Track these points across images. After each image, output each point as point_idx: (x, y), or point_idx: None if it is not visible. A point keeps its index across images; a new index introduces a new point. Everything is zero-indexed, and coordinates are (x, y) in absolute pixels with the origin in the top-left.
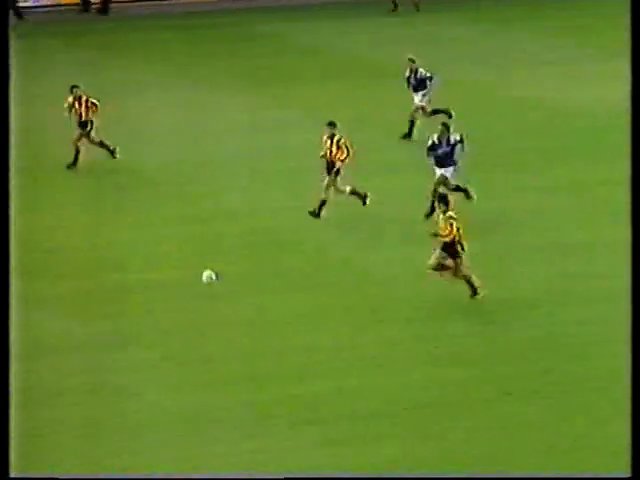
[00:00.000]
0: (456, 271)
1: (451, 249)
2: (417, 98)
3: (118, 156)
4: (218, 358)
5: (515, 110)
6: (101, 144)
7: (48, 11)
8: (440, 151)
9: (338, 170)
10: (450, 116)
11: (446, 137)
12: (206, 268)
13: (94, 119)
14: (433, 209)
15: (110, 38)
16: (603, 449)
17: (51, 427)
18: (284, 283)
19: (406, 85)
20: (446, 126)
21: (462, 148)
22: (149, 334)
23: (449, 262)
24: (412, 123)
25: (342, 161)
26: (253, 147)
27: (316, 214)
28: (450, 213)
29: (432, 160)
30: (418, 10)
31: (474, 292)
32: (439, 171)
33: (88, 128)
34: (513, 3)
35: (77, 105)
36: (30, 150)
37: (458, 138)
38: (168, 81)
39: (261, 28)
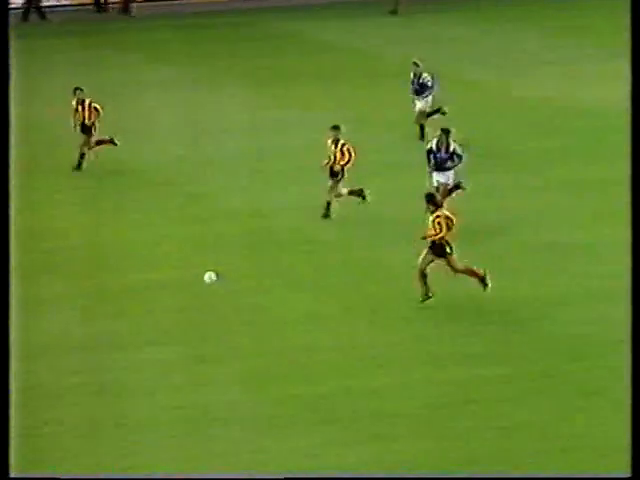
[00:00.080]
0: (453, 269)
1: (439, 250)
2: (420, 103)
3: (118, 142)
4: (219, 358)
5: (516, 110)
6: (98, 143)
7: (64, 11)
8: (438, 157)
9: (340, 174)
10: (444, 113)
11: (445, 144)
12: (207, 268)
13: (96, 124)
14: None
15: (113, 38)
16: (603, 449)
17: (51, 427)
18: (284, 282)
19: (410, 89)
20: (445, 132)
21: (459, 161)
22: (150, 334)
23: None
24: (422, 127)
25: (342, 166)
26: (254, 147)
27: (326, 215)
28: (439, 212)
29: (430, 165)
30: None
31: (483, 284)
32: (436, 176)
33: (92, 133)
34: (513, 3)
35: (80, 109)
36: (30, 150)
37: (458, 150)
38: (169, 81)
39: (263, 28)
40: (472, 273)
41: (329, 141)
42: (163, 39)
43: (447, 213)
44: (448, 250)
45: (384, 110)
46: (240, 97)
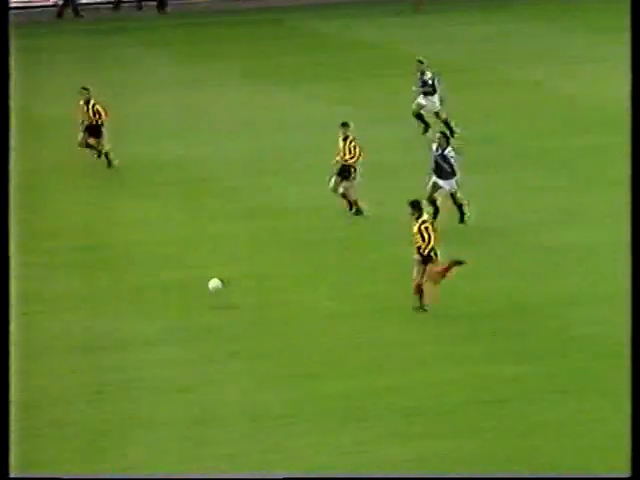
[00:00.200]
0: (422, 276)
1: (428, 259)
2: (423, 101)
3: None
4: (248, 356)
5: (550, 108)
6: (87, 145)
7: (97, 8)
8: (434, 159)
9: (350, 171)
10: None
11: (443, 147)
12: (232, 266)
13: (104, 124)
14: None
15: (145, 35)
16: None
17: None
18: (322, 279)
19: (420, 88)
20: (445, 136)
21: (451, 169)
22: (177, 332)
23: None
24: (447, 123)
25: (346, 161)
26: (282, 144)
27: (358, 212)
28: (424, 219)
29: (432, 166)
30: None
31: (421, 305)
32: (437, 180)
33: (101, 134)
34: (540, 2)
35: (85, 109)
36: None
37: (452, 160)
38: (199, 78)
39: (288, 26)
40: (420, 292)
41: (339, 138)
42: (193, 36)
43: (425, 219)
44: (433, 255)
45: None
46: (267, 94)
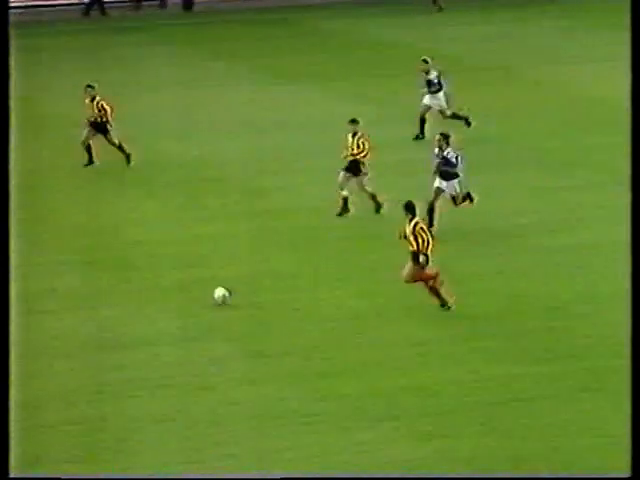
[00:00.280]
0: (408, 277)
1: (415, 257)
2: (428, 100)
3: (98, 163)
4: (277, 354)
5: (570, 107)
6: (87, 148)
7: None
8: (436, 162)
9: (359, 167)
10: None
11: (444, 148)
12: (260, 264)
13: (110, 121)
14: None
15: (174, 33)
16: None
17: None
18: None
19: (427, 88)
20: (444, 136)
21: (455, 170)
22: (203, 330)
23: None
24: (457, 116)
25: (354, 155)
26: (311, 142)
27: (380, 207)
28: (417, 220)
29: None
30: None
31: (443, 304)
32: (439, 183)
33: (109, 130)
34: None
35: (91, 106)
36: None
37: (454, 160)
38: (229, 76)
39: (311, 25)
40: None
41: (349, 135)
42: (221, 35)
43: (418, 220)
44: (422, 260)
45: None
46: (310, 92)
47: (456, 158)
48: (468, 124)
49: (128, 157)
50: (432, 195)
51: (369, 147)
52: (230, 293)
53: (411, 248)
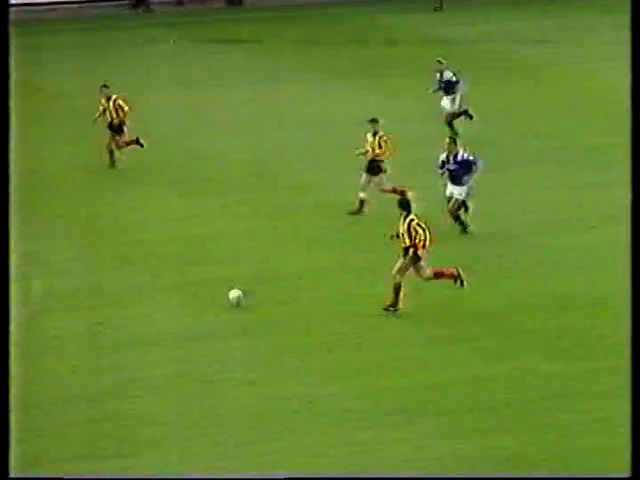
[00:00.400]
0: (396, 272)
1: (406, 253)
2: (445, 102)
3: (144, 143)
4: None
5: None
6: (127, 144)
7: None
8: (449, 168)
9: (380, 168)
10: (470, 117)
11: (454, 153)
12: (298, 260)
13: (126, 121)
14: (463, 225)
15: (219, 29)
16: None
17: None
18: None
19: (436, 88)
20: (453, 140)
21: (475, 169)
22: (239, 326)
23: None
24: (464, 113)
25: (377, 156)
26: (351, 138)
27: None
28: (412, 217)
29: (444, 178)
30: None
31: (393, 305)
32: (452, 188)
33: (124, 130)
34: None
35: (107, 106)
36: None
37: (471, 157)
38: (273, 71)
39: (362, 20)
40: (397, 292)
41: (369, 134)
42: (270, 30)
43: (413, 217)
44: (413, 257)
45: (490, 100)
46: (352, 87)
47: (474, 156)
48: (470, 118)
49: (113, 163)
50: (450, 207)
51: (392, 146)
52: (245, 294)
53: (404, 245)
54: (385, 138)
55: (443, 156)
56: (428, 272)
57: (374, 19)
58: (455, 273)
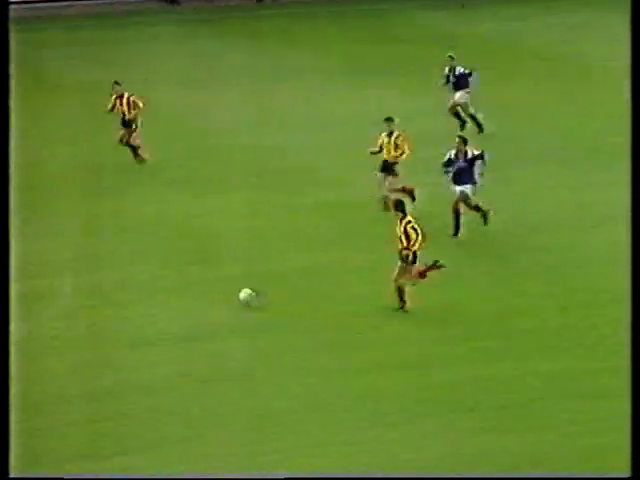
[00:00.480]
0: (397, 276)
1: (401, 255)
2: (457, 95)
3: (148, 157)
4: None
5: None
6: (127, 144)
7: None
8: (456, 166)
9: (393, 170)
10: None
11: (464, 151)
12: (331, 256)
13: (139, 118)
14: (458, 228)
15: (244, 25)
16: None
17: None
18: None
19: (444, 82)
20: (463, 139)
21: (482, 165)
22: (273, 321)
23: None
24: (473, 117)
25: (395, 158)
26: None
27: (414, 199)
28: (408, 219)
29: (448, 176)
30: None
31: (402, 306)
32: (457, 188)
33: (133, 127)
34: None
35: (119, 104)
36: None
37: (477, 153)
38: (302, 68)
39: (389, 17)
40: (401, 293)
41: (384, 134)
42: (293, 26)
43: (409, 219)
44: (410, 258)
45: (520, 98)
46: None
47: (475, 156)
48: (479, 128)
49: (137, 155)
50: (465, 203)
51: (408, 147)
52: (257, 294)
53: (400, 246)
54: (401, 138)
55: (451, 153)
56: (413, 272)
57: (412, 16)
58: (430, 264)
